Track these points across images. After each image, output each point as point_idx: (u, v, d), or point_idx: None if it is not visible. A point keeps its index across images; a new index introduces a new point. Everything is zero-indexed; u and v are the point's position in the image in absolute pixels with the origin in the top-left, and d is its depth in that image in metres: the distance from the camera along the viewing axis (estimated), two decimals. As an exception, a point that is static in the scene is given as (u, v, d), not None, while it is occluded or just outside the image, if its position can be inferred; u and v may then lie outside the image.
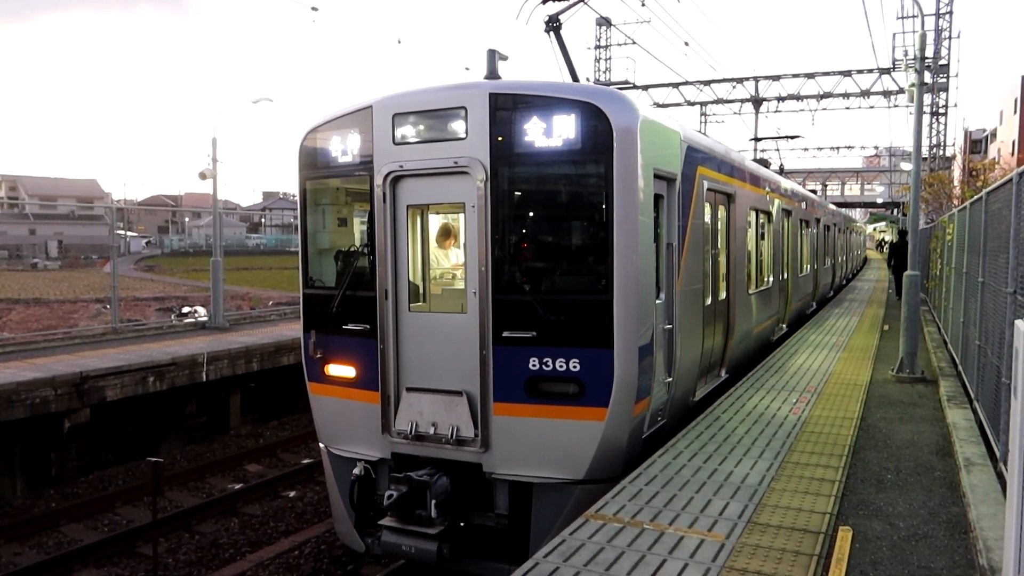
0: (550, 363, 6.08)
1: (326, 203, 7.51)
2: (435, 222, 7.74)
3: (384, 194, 6.59)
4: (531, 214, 6.71)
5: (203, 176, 16.85)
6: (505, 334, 6.17)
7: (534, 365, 6.11)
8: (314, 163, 7.15)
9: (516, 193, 6.45)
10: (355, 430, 6.92)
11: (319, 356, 7.08)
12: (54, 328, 18.04)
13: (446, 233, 7.81)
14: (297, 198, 7.42)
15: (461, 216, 6.89)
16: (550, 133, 6.02)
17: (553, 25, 8.04)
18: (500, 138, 6.17)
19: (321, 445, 7.39)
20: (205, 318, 17.05)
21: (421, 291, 7.10)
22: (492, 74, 6.73)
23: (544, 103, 6.07)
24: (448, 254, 7.87)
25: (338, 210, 7.55)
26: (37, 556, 8.41)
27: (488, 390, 6.26)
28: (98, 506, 9.79)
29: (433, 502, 6.18)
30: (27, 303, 29.56)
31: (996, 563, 4.12)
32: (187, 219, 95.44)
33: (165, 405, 12.23)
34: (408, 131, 6.53)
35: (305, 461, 11.84)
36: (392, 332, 6.65)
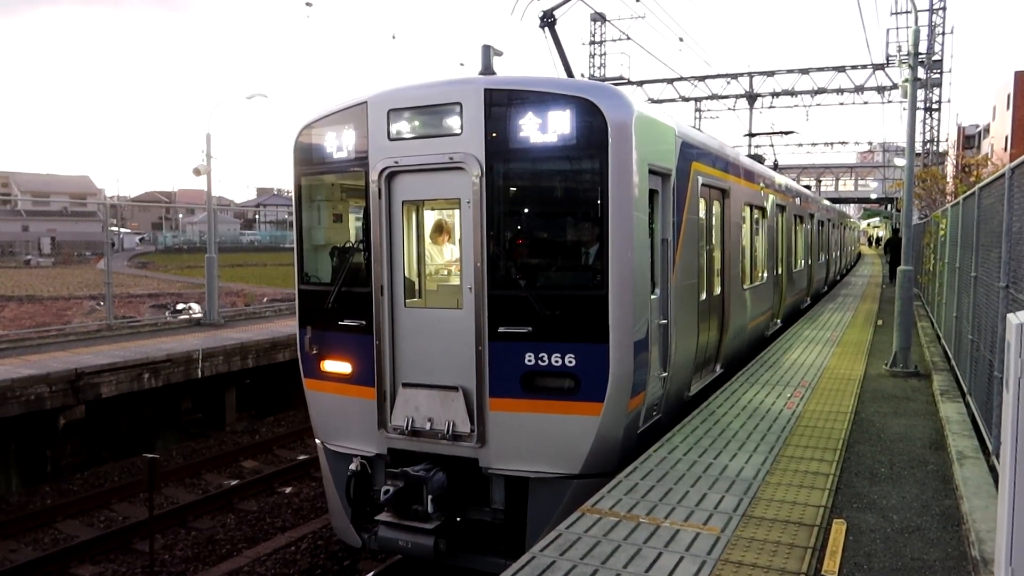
0: (546, 358, 6.09)
1: (321, 199, 7.51)
2: (430, 218, 7.75)
3: (379, 190, 6.59)
4: (526, 210, 6.71)
5: (197, 172, 16.80)
6: (501, 329, 6.18)
7: (530, 360, 6.13)
8: (309, 159, 7.15)
9: (511, 189, 6.45)
10: (351, 426, 6.93)
11: (315, 352, 7.08)
12: (48, 325, 17.97)
13: (440, 229, 7.82)
14: (292, 194, 7.41)
15: (456, 212, 6.90)
16: (545, 129, 6.03)
17: (548, 21, 8.05)
18: (495, 134, 6.17)
19: (317, 441, 7.39)
20: (200, 314, 17.03)
21: (417, 287, 7.11)
22: (487, 70, 6.72)
23: (539, 99, 6.07)
24: (442, 250, 7.88)
25: (333, 206, 7.55)
26: (33, 553, 8.41)
27: (484, 385, 6.27)
28: (94, 503, 9.79)
29: (429, 497, 6.19)
30: (21, 300, 29.46)
31: (988, 555, 4.16)
32: (181, 215, 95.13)
33: (160, 402, 12.22)
34: (403, 127, 6.52)
35: (301, 457, 11.84)
36: (388, 328, 6.65)
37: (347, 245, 7.19)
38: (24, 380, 9.89)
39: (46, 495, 10.10)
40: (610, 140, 5.91)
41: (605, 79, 33.97)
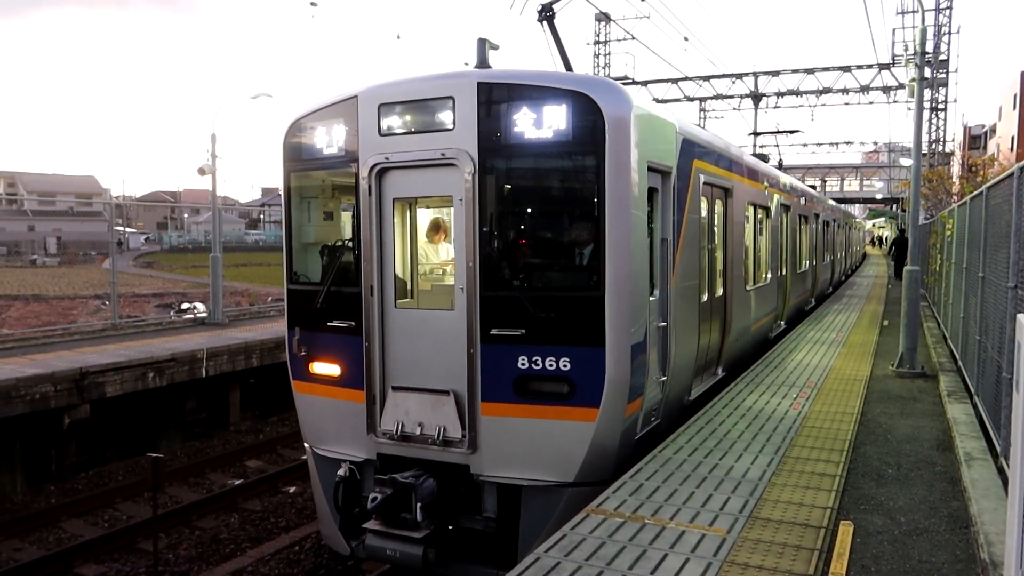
0: (540, 362, 5.89)
1: (311, 196, 7.31)
2: (425, 216, 7.61)
3: (369, 187, 6.40)
4: (521, 208, 6.51)
5: (202, 172, 16.82)
6: (493, 332, 5.98)
7: (523, 364, 5.92)
8: (298, 155, 6.97)
9: (505, 186, 6.26)
10: (340, 430, 6.74)
11: (303, 354, 6.92)
12: (53, 324, 18.01)
13: (436, 228, 7.56)
14: (281, 191, 7.28)
15: (452, 210, 6.80)
16: (540, 124, 5.83)
17: (546, 15, 7.94)
18: (489, 129, 5.98)
19: (306, 445, 7.22)
20: (204, 314, 17.04)
21: (408, 287, 6.93)
22: (482, 63, 6.55)
23: (534, 93, 5.88)
24: (438, 249, 7.65)
25: (323, 204, 7.34)
26: (38, 552, 8.40)
27: (476, 389, 6.07)
28: (98, 502, 9.78)
29: (419, 505, 5.98)
30: (26, 299, 29.54)
31: (997, 557, 4.12)
32: (186, 215, 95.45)
33: (165, 401, 12.22)
34: (394, 122, 6.34)
35: (304, 457, 11.80)
36: (378, 329, 6.46)
37: (337, 243, 6.99)
38: (29, 379, 9.90)
39: (50, 494, 10.10)
40: (607, 136, 5.72)
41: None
